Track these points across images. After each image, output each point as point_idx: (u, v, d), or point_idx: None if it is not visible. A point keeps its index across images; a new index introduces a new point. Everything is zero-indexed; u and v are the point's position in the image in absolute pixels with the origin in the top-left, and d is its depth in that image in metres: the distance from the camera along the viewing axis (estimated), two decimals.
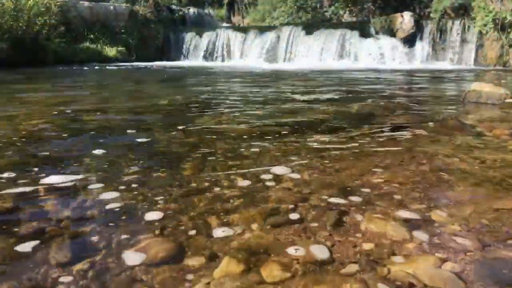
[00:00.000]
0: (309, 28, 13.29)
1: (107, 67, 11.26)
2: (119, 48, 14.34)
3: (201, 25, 18.53)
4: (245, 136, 2.42)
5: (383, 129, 2.58)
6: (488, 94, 3.14)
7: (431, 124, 2.69)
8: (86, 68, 10.12)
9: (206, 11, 21.59)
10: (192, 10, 19.14)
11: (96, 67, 10.67)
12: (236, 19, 26.47)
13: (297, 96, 4.55)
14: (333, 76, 7.93)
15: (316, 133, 2.49)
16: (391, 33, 12.22)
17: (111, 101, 4.30)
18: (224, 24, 21.47)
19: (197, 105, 3.76)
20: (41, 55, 11.76)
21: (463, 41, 11.32)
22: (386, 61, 11.66)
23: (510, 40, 9.91)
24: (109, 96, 4.79)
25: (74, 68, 9.96)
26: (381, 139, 2.31)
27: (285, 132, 2.50)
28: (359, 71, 9.05)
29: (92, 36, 14.23)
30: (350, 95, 4.67)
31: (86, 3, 14.59)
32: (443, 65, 11.27)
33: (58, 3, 13.29)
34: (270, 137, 2.35)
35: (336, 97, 4.60)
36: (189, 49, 14.92)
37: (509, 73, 8.50)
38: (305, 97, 4.49)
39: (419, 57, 11.77)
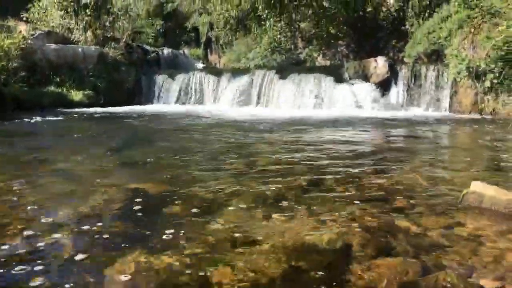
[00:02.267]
0: (283, 72, 13.02)
1: (68, 115, 10.61)
2: (86, 92, 13.74)
3: (175, 66, 18.19)
4: None
5: None
6: (492, 199, 2.60)
7: None
8: (36, 119, 9.34)
9: (181, 51, 21.37)
10: (166, 51, 18.83)
11: (50, 119, 9.85)
12: (213, 57, 26.39)
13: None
14: (298, 138, 7.49)
15: None
16: (365, 78, 12.02)
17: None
18: (200, 64, 21.23)
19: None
20: None
21: (438, 87, 11.16)
22: (362, 107, 11.38)
23: (484, 88, 9.74)
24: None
25: (26, 119, 9.20)
26: None
27: None
28: (332, 124, 8.67)
29: (58, 79, 13.66)
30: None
31: (53, 46, 14.09)
32: (419, 111, 11.04)
33: (21, 46, 12.77)
34: None
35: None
36: (161, 92, 14.44)
37: (490, 125, 8.24)
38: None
39: (395, 103, 11.54)
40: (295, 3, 13.59)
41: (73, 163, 4.38)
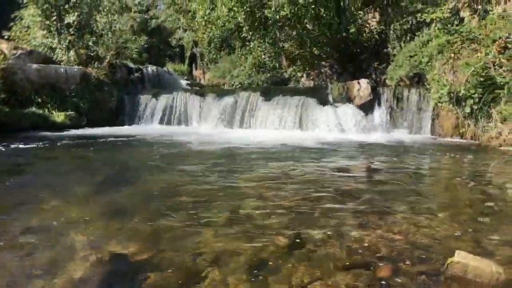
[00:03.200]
0: (267, 94, 13.07)
1: (49, 140, 10.39)
2: (68, 113, 13.55)
3: (160, 84, 18.14)
4: None
5: None
6: (476, 270, 2.61)
7: None
8: (14, 146, 9.09)
9: (165, 68, 21.27)
10: (150, 69, 18.73)
11: (28, 146, 9.57)
12: (197, 73, 26.40)
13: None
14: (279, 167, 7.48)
15: None
16: (349, 100, 12.14)
17: None
18: (184, 81, 21.15)
19: None
20: None
21: (420, 110, 11.32)
22: (345, 130, 11.47)
23: (465, 113, 9.91)
24: None
25: (1, 148, 8.97)
26: None
27: None
28: (315, 151, 8.70)
29: (39, 100, 13.44)
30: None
31: (35, 65, 13.87)
32: (401, 134, 11.18)
33: (1, 66, 12.56)
34: None
35: None
36: (144, 113, 14.32)
37: (471, 154, 8.36)
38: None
39: (377, 125, 11.65)
40: (279, 24, 13.69)
41: (47, 214, 4.27)
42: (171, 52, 27.27)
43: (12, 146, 9.24)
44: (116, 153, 8.79)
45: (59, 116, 13.31)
